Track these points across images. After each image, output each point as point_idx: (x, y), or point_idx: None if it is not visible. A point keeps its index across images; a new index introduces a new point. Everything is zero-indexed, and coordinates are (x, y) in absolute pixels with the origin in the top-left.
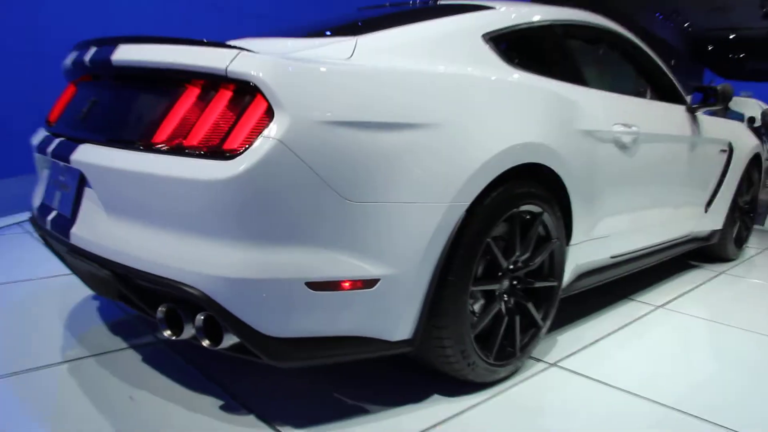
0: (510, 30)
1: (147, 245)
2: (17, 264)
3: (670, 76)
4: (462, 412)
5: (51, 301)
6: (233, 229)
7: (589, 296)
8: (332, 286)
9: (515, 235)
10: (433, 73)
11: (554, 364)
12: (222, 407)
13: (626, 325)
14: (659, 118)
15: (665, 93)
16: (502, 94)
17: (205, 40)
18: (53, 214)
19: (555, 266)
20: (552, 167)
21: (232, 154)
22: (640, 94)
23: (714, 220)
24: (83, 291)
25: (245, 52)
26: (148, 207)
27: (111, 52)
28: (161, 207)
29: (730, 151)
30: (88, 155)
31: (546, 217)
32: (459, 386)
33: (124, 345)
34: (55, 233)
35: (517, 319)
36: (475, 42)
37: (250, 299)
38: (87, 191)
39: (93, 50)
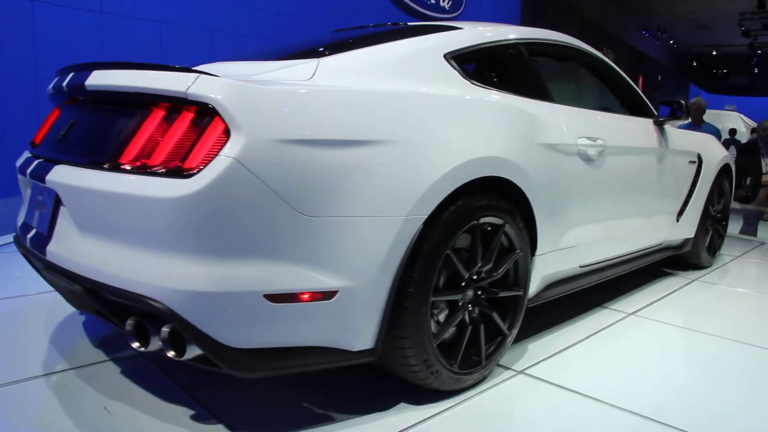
0: (472, 49)
1: (114, 261)
2: (10, 281)
3: (638, 91)
4: (425, 419)
5: (38, 316)
6: (192, 244)
7: (561, 304)
8: (291, 298)
9: (477, 246)
10: (391, 92)
11: (522, 372)
12: (193, 417)
13: (596, 333)
14: (626, 131)
15: (634, 107)
16: (460, 111)
17: (169, 65)
18: (32, 232)
19: (520, 276)
20: (513, 180)
21: (190, 173)
22: (608, 109)
23: (686, 229)
24: (69, 307)
25: (204, 76)
26: (114, 224)
27: (86, 77)
28: (126, 224)
29: (699, 162)
30: (62, 176)
31: (508, 228)
32: (425, 394)
33: (105, 358)
34: (34, 251)
35: (482, 328)
36: (437, 61)
37: (211, 311)
38: (62, 210)
39: (71, 75)
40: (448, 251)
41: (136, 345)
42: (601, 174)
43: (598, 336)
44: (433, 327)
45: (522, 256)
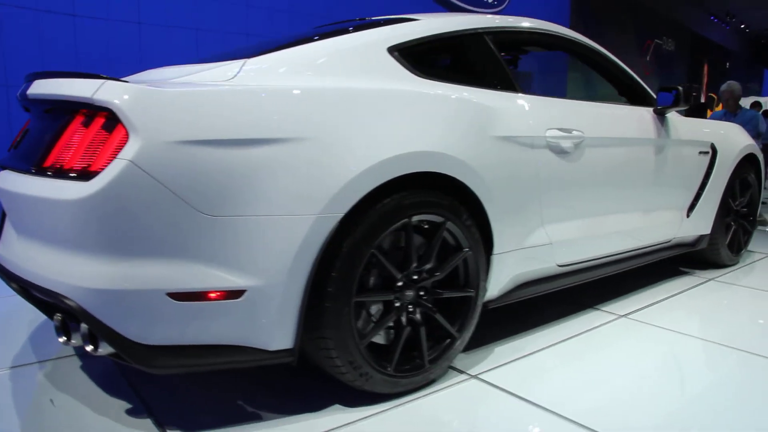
0: (422, 41)
1: (39, 260)
2: None
3: (636, 79)
4: (350, 423)
5: (9, 316)
6: (95, 244)
7: (548, 304)
8: (196, 296)
9: (411, 245)
10: (306, 89)
11: (475, 377)
12: (128, 411)
13: (574, 336)
14: (614, 121)
15: (633, 96)
16: (387, 106)
17: (85, 73)
18: None
19: (470, 276)
20: (455, 176)
21: (94, 176)
22: (598, 98)
23: (699, 225)
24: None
25: (109, 82)
26: (37, 226)
27: (29, 87)
28: (45, 225)
29: (714, 153)
30: (5, 181)
31: (451, 226)
32: (363, 396)
33: (70, 353)
34: None
35: (422, 330)
36: (379, 55)
37: (116, 309)
38: (8, 213)
39: (23, 85)
40: (373, 250)
41: (62, 340)
42: (579, 168)
43: (575, 340)
44: (363, 328)
45: (471, 256)
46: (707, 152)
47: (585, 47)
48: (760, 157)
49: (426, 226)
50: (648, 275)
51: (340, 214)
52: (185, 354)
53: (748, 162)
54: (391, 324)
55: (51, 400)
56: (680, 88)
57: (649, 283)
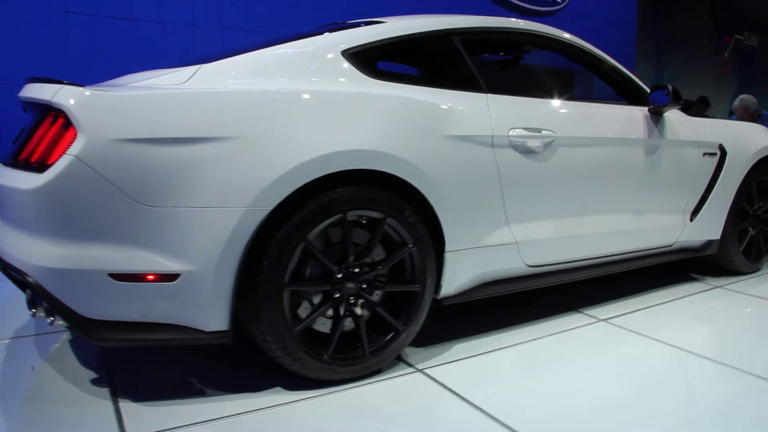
0: (378, 44)
1: (11, 243)
2: None
3: (630, 77)
4: (286, 403)
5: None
6: (48, 228)
7: (524, 302)
8: (135, 278)
9: (347, 239)
10: (243, 91)
11: (420, 370)
12: (93, 380)
13: (541, 338)
14: (595, 121)
15: (628, 95)
16: (324, 106)
17: (53, 79)
18: None
19: (416, 272)
20: (397, 174)
21: (47, 168)
22: (582, 97)
23: (706, 230)
24: None
25: (66, 87)
26: (11, 212)
27: (22, 89)
28: (15, 211)
29: (723, 154)
30: None
31: (393, 222)
32: (305, 381)
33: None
34: None
35: (362, 321)
36: (333, 58)
37: (67, 286)
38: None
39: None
40: (305, 243)
41: (31, 313)
42: (550, 168)
43: (540, 342)
44: (302, 314)
45: (416, 252)
46: (714, 153)
47: (572, 46)
48: None
49: (364, 222)
50: (652, 279)
51: (269, 208)
52: (128, 329)
53: (764, 165)
54: (339, 314)
55: (32, 368)
56: (669, 86)
57: (649, 287)
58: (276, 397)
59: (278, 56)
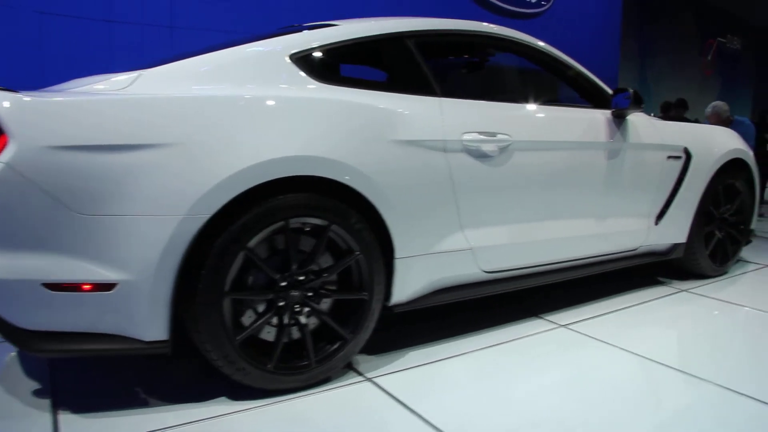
0: (328, 47)
1: None
2: None
3: (592, 80)
4: (227, 414)
5: None
6: None
7: (482, 308)
8: (71, 287)
9: (290, 247)
10: (180, 97)
11: (370, 380)
12: (35, 391)
13: (497, 345)
14: (554, 124)
15: (592, 98)
16: (264, 111)
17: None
18: None
19: (364, 280)
20: (340, 180)
21: None
22: (544, 100)
23: (672, 233)
24: None
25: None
26: None
27: None
28: None
29: (688, 157)
30: None
31: (338, 229)
32: (251, 391)
33: None
34: None
35: (307, 330)
36: (279, 63)
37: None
38: None
39: None
40: (245, 251)
41: None
42: (505, 172)
43: (495, 349)
44: (246, 323)
45: (363, 259)
46: (679, 157)
47: (531, 48)
48: (751, 162)
49: (308, 229)
50: (617, 283)
51: (207, 215)
52: (65, 340)
53: (735, 167)
54: (283, 323)
55: None
56: (630, 90)
57: (613, 292)
58: (219, 407)
59: (223, 61)
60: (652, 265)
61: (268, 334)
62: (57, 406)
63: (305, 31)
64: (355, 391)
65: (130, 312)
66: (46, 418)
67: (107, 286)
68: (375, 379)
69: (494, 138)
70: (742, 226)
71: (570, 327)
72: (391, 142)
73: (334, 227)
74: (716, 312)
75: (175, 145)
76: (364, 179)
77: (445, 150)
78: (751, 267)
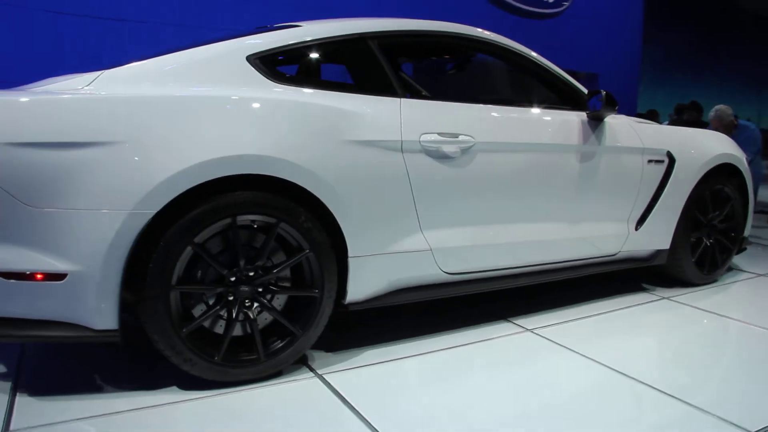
0: (287, 48)
1: None
2: None
3: (568, 81)
4: (171, 403)
5: None
6: None
7: (451, 309)
8: (23, 276)
9: (237, 243)
10: (130, 96)
11: (320, 376)
12: (0, 375)
13: (458, 347)
14: (522, 126)
15: (568, 100)
16: (212, 111)
17: None
18: None
19: (314, 277)
20: (289, 179)
21: None
22: (516, 101)
23: (654, 239)
24: None
25: None
26: None
27: None
28: None
29: (671, 161)
30: None
31: (286, 227)
32: (202, 382)
33: None
34: None
35: (256, 325)
36: (236, 63)
37: None
38: None
39: None
40: (191, 246)
41: None
42: (468, 174)
43: (455, 351)
44: (198, 314)
45: (313, 257)
46: (661, 161)
47: (502, 48)
48: (743, 167)
49: (256, 226)
50: (598, 288)
51: (153, 212)
52: (18, 326)
53: (725, 173)
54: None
55: None
56: (603, 92)
57: (592, 297)
58: (167, 396)
59: (182, 62)
60: (638, 271)
61: (221, 327)
62: (17, 388)
63: (266, 33)
64: (301, 386)
65: (81, 301)
66: (2, 399)
67: (58, 276)
68: (325, 376)
69: (456, 139)
70: (732, 234)
71: (536, 332)
72: (345, 142)
73: (283, 225)
74: (693, 322)
75: (122, 143)
76: (313, 179)
77: (402, 150)
78: (744, 276)
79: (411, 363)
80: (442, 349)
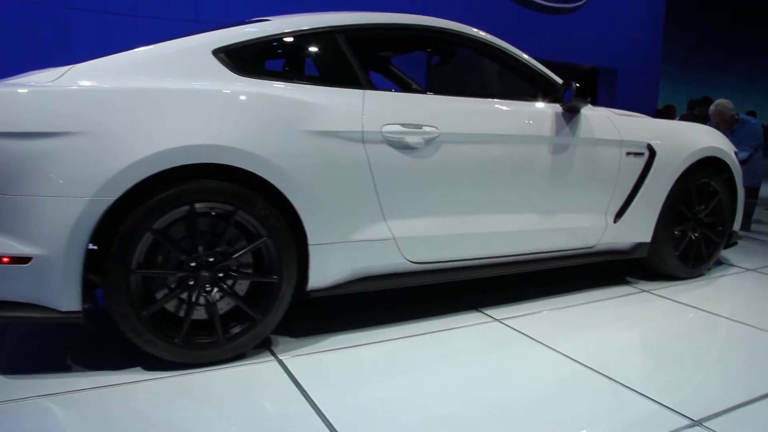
0: (253, 42)
1: None
2: None
3: (544, 73)
4: (131, 383)
5: None
6: None
7: (422, 297)
8: None
9: (195, 230)
10: (93, 88)
11: (279, 360)
12: None
13: (422, 335)
14: (489, 117)
15: (543, 91)
16: (170, 103)
17: None
18: None
19: (273, 264)
20: (248, 168)
21: None
22: (489, 93)
23: (634, 232)
24: None
25: None
26: None
27: None
28: None
29: (651, 154)
30: None
31: (244, 215)
32: (167, 363)
33: None
34: None
35: (216, 309)
36: (202, 57)
37: None
38: None
39: None
40: (150, 232)
41: None
42: (432, 164)
43: (419, 339)
44: (163, 297)
45: (271, 244)
46: (641, 153)
47: (472, 40)
48: (730, 161)
49: (214, 214)
50: (578, 279)
51: (112, 199)
52: None
53: (712, 166)
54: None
55: None
56: (574, 83)
57: (569, 289)
58: (129, 375)
59: (150, 55)
60: (625, 263)
61: (184, 311)
62: None
63: (235, 27)
64: (260, 369)
65: (46, 284)
66: None
67: (24, 260)
68: (285, 360)
69: (419, 130)
70: (720, 228)
71: (505, 321)
72: (305, 132)
73: (240, 213)
74: (667, 314)
75: (83, 134)
76: (270, 167)
77: (363, 141)
78: (733, 270)
79: (371, 350)
80: (403, 337)
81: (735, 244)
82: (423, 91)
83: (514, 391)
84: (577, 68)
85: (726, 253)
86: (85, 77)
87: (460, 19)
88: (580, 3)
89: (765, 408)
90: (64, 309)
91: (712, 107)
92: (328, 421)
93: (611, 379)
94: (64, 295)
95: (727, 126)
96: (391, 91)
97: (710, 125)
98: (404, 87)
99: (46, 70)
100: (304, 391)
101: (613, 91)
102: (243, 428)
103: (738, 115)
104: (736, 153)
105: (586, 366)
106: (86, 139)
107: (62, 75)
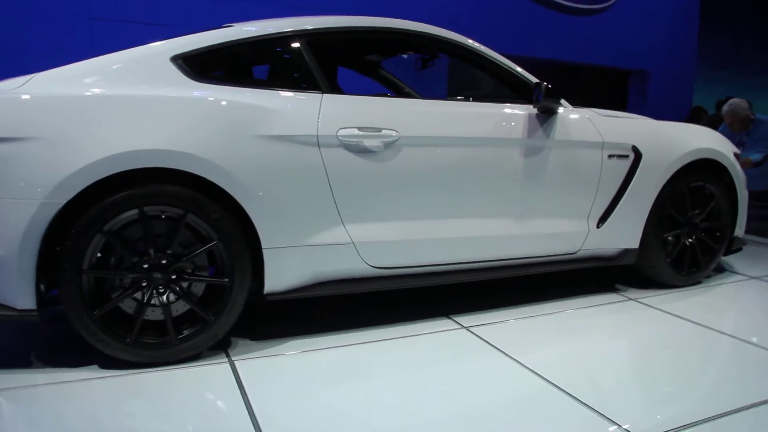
0: (209, 49)
1: None
2: None
3: (518, 74)
4: (84, 380)
5: None
6: None
7: (391, 304)
8: None
9: (147, 232)
10: (50, 95)
11: (232, 361)
12: None
13: (378, 342)
14: (454, 120)
15: (518, 92)
16: (120, 108)
17: None
18: None
19: (225, 267)
20: (197, 172)
21: None
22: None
23: (619, 238)
24: None
25: None
26: None
27: None
28: None
29: (637, 156)
30: None
31: (194, 218)
32: (123, 362)
33: None
34: None
35: (168, 310)
36: (160, 63)
37: None
38: None
39: None
40: (100, 234)
41: None
42: (392, 168)
43: (372, 346)
44: (115, 298)
45: (222, 247)
46: (625, 155)
47: (446, 42)
48: (728, 163)
49: (164, 217)
50: (566, 286)
51: (62, 202)
52: None
53: (707, 169)
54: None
55: None
56: (544, 84)
57: (554, 297)
58: (85, 373)
59: (110, 62)
60: (616, 270)
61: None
62: None
63: (196, 34)
64: (209, 371)
65: (2, 282)
66: None
67: None
68: (237, 363)
69: (378, 133)
70: (718, 233)
71: (472, 329)
72: (257, 137)
73: (191, 216)
74: (649, 324)
75: (38, 139)
76: (222, 172)
77: (318, 145)
78: (734, 278)
79: (329, 355)
80: (363, 343)
81: (739, 250)
82: (384, 95)
83: (466, 406)
84: (606, 71)
85: (731, 260)
86: (45, 85)
87: (483, 22)
88: (608, 4)
89: None
90: (19, 307)
91: (725, 107)
92: (258, 426)
93: (573, 397)
94: (20, 294)
95: (741, 126)
96: (353, 95)
97: (723, 126)
98: (397, 91)
99: (11, 79)
100: (245, 395)
101: (644, 94)
102: (169, 428)
103: (754, 115)
104: (737, 155)
105: (549, 381)
106: (40, 144)
107: (24, 83)
